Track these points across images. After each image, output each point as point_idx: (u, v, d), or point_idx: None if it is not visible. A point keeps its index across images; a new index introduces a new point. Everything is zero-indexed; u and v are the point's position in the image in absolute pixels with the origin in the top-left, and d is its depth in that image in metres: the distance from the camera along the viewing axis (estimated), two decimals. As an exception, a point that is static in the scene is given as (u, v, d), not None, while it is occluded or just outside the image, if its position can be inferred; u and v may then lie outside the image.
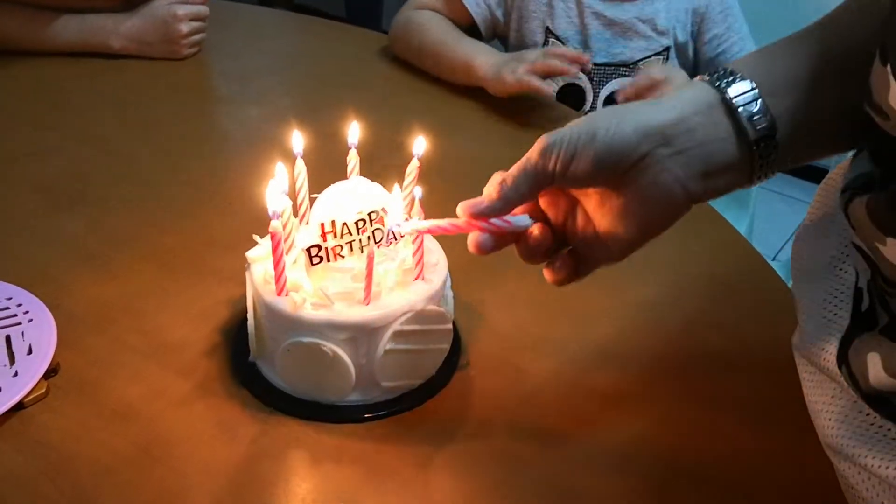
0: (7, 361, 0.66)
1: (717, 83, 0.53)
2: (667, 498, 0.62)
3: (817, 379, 0.53)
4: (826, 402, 0.52)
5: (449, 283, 0.69)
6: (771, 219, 1.99)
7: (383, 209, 0.65)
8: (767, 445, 0.66)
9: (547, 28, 1.27)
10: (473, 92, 1.17)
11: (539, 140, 0.54)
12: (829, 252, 0.52)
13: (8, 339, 0.68)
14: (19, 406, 0.64)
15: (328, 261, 0.64)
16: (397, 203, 0.63)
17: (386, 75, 1.21)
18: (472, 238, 0.57)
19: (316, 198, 0.67)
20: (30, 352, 0.67)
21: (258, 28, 1.44)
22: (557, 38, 1.27)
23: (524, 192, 0.56)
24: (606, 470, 0.63)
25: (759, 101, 0.52)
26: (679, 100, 0.54)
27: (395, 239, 0.66)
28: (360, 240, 0.64)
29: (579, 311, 0.78)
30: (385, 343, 0.63)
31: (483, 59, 1.14)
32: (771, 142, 0.53)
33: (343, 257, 0.64)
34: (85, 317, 0.74)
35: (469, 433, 0.66)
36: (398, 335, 0.64)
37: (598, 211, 0.56)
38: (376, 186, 0.67)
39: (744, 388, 0.71)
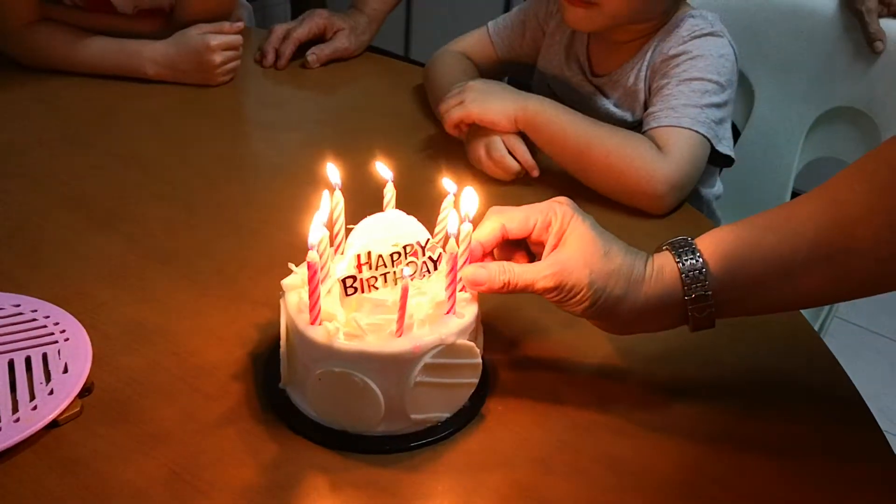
0: (43, 379, 0.67)
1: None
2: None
3: None
4: None
5: (479, 317, 0.69)
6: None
7: (418, 242, 0.66)
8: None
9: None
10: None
11: (552, 274, 0.65)
12: None
13: (44, 356, 0.69)
14: (54, 424, 0.65)
15: (362, 292, 0.64)
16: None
17: (422, 107, 1.22)
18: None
19: (352, 228, 0.68)
20: (65, 370, 0.68)
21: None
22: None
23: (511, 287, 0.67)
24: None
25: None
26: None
27: (429, 272, 0.66)
28: (395, 272, 0.65)
29: (609, 345, 0.78)
30: (415, 375, 0.64)
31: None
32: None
33: (377, 289, 0.65)
34: (119, 336, 0.76)
35: (496, 467, 0.66)
36: (428, 368, 0.64)
37: None
38: (412, 220, 0.68)
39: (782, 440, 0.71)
